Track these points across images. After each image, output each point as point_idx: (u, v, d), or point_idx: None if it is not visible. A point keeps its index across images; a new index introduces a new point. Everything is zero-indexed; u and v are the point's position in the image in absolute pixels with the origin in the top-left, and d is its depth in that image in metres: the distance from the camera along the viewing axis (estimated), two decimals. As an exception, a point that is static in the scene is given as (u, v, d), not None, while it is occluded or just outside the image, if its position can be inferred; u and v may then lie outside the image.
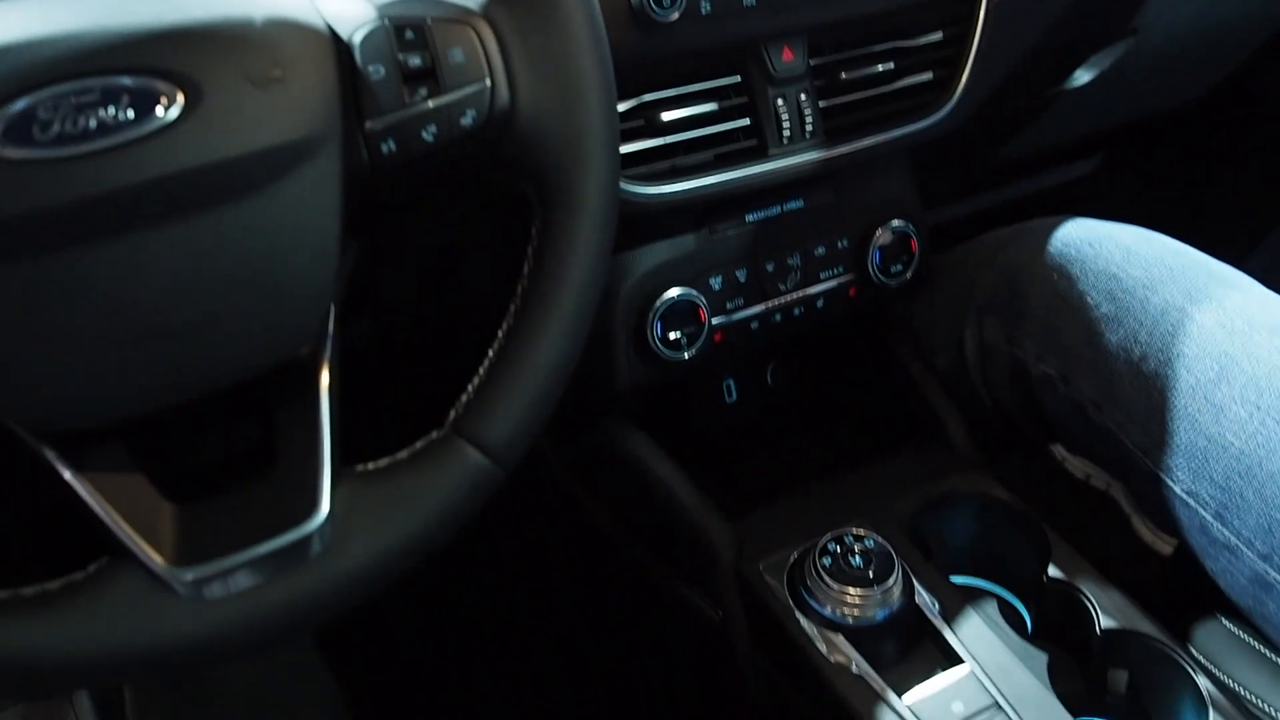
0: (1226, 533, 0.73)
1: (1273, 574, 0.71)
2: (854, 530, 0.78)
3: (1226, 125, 1.42)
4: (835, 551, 0.77)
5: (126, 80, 0.41)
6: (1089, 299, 0.81)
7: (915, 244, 0.89)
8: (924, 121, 0.84)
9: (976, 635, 0.75)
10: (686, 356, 0.81)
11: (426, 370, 0.76)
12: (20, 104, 0.40)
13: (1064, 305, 0.82)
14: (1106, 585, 0.78)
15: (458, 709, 1.18)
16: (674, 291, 0.80)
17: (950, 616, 0.75)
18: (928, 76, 0.84)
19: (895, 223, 0.88)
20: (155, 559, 0.44)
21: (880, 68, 0.82)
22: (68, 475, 0.44)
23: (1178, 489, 0.76)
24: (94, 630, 0.44)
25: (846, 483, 0.88)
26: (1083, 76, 1.10)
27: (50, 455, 0.44)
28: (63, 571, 0.45)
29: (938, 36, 0.84)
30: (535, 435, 0.52)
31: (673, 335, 0.81)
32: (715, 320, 0.83)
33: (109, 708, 1.16)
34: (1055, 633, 0.78)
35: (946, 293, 0.93)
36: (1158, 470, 0.77)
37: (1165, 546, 1.01)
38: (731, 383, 1.03)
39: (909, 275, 0.90)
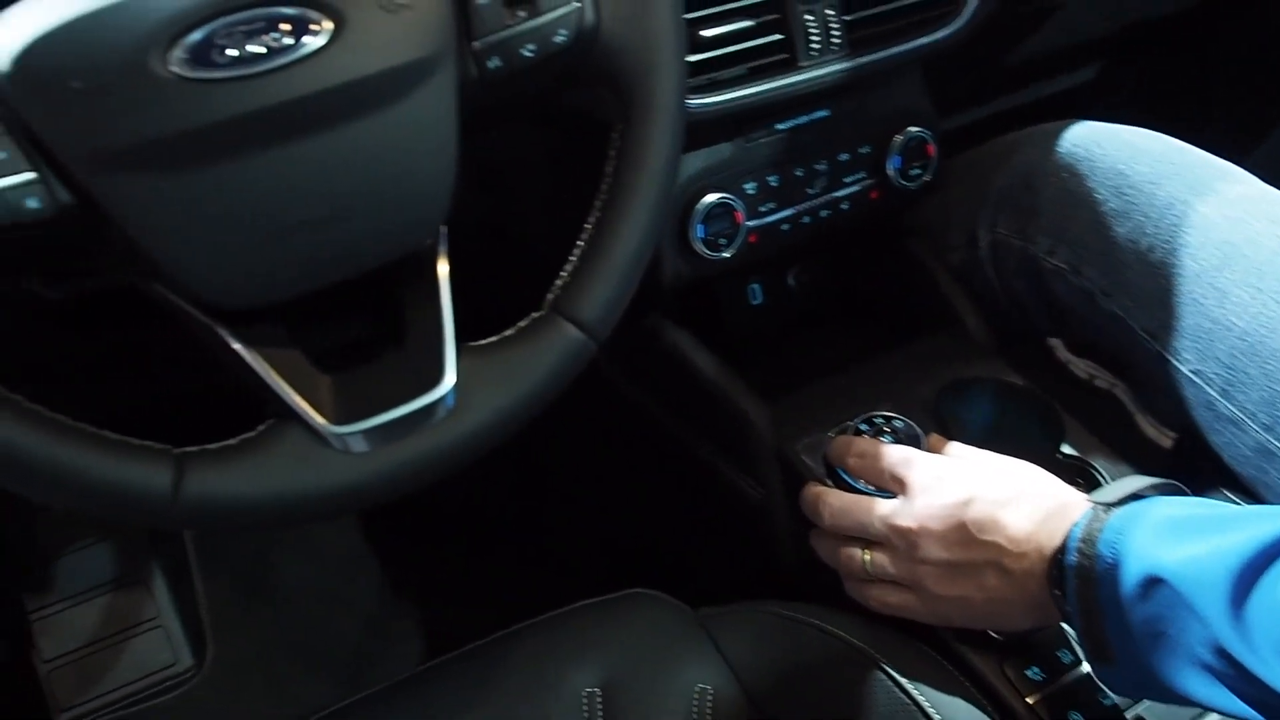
0: (1232, 408, 0.80)
1: (1275, 443, 0.78)
2: (883, 412, 0.85)
3: (1223, 28, 1.47)
4: (867, 432, 0.84)
5: (286, 10, 0.48)
6: (1098, 195, 0.88)
7: (931, 149, 0.96)
8: (940, 32, 0.90)
9: None
10: (727, 256, 0.89)
11: (500, 269, 0.83)
12: (203, 30, 0.47)
13: (1074, 201, 0.89)
14: (1117, 460, 0.86)
15: (507, 588, 1.27)
16: (712, 197, 0.87)
17: None
18: (943, -11, 0.90)
19: (912, 129, 0.95)
20: (318, 419, 0.52)
21: (900, -18, 0.88)
22: (239, 348, 0.53)
23: (1184, 369, 0.83)
24: (270, 478, 0.52)
25: (871, 370, 0.96)
26: (1086, -17, 1.15)
27: (224, 333, 0.52)
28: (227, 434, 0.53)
29: (952, -50, 0.90)
30: (621, 311, 0.60)
31: (712, 237, 0.88)
32: (750, 223, 0.90)
33: (182, 600, 1.26)
34: None
35: (960, 193, 1.00)
36: (1164, 352, 0.84)
37: (1166, 440, 1.08)
38: (757, 286, 1.10)
39: (927, 178, 0.97)
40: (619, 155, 0.59)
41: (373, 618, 1.31)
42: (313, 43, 0.49)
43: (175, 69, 0.47)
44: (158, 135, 0.47)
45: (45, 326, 0.78)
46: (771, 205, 0.91)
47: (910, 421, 0.84)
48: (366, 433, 0.53)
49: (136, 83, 0.47)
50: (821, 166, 0.93)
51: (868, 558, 0.75)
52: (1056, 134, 0.93)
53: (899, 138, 0.94)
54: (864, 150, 0.94)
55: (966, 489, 0.70)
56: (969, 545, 0.69)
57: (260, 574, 1.33)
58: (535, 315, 0.59)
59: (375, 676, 1.22)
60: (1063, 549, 0.63)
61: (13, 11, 0.48)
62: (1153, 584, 0.58)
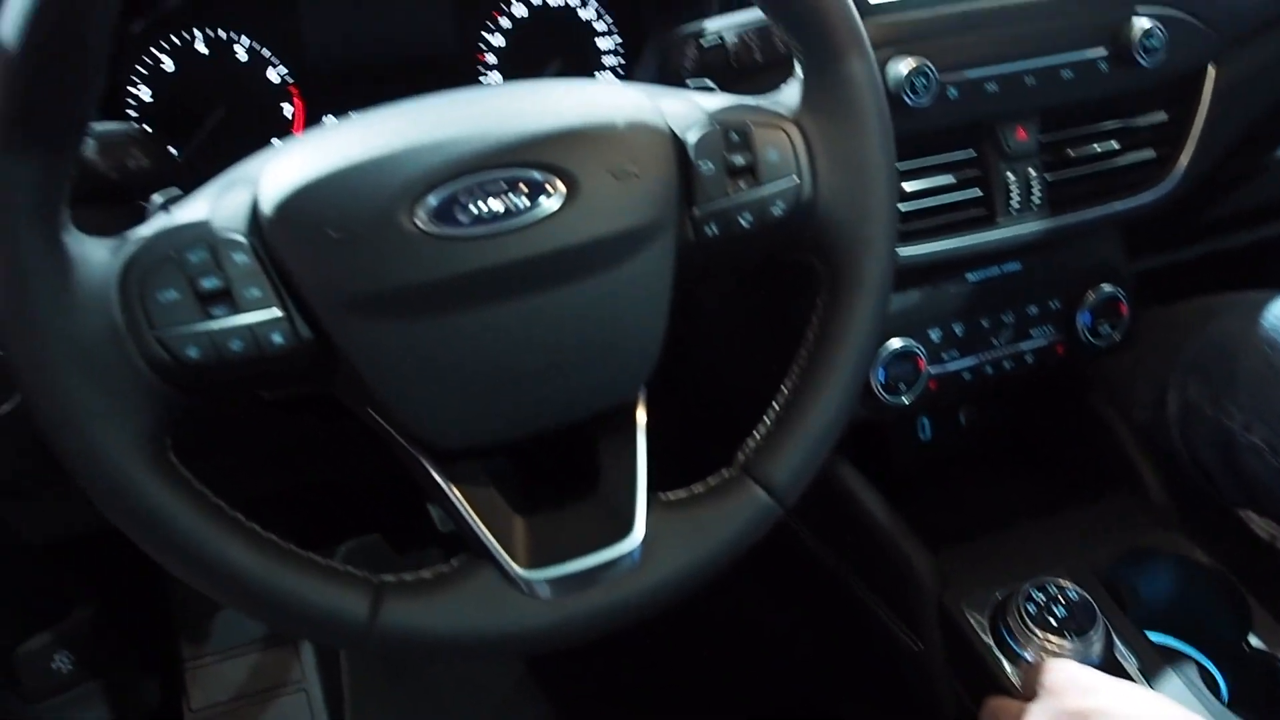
0: None
1: None
2: (1058, 580, 0.82)
3: None
4: (1039, 600, 0.82)
5: (523, 173, 0.51)
6: None
7: (1124, 308, 0.94)
8: (1144, 197, 0.89)
9: (1173, 696, 0.79)
10: (906, 402, 0.88)
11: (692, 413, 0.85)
12: (449, 189, 0.50)
13: (1276, 379, 0.85)
14: None
15: (648, 708, 1.27)
16: (896, 342, 0.87)
17: (1148, 674, 0.79)
18: (1150, 154, 0.89)
19: (1106, 287, 0.93)
20: (510, 562, 0.54)
21: (1105, 146, 0.87)
22: (442, 482, 0.54)
23: None
24: (460, 617, 0.53)
25: (1043, 527, 0.93)
26: (1293, 146, 1.12)
27: (430, 466, 0.54)
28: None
29: (1161, 117, 0.89)
30: (811, 478, 0.60)
31: (893, 381, 0.87)
32: (932, 369, 0.90)
33: (328, 667, 1.30)
34: (1254, 703, 0.80)
35: (1151, 351, 0.97)
36: None
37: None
38: (926, 421, 1.09)
39: (1116, 337, 0.95)
40: (821, 324, 0.59)
41: (510, 715, 1.32)
42: (548, 205, 0.52)
43: (421, 224, 0.50)
44: (400, 285, 0.50)
45: (250, 416, 0.82)
46: (954, 353, 0.91)
47: (1083, 592, 0.81)
48: (553, 581, 0.54)
49: (385, 235, 0.50)
50: (1008, 318, 0.92)
51: None
52: (1260, 305, 0.90)
53: (1091, 294, 0.93)
54: (1054, 304, 0.93)
55: (1085, 703, 0.64)
56: None
57: (410, 666, 1.36)
58: (726, 474, 0.59)
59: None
60: None
61: (277, 161, 0.52)
62: None
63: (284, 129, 0.78)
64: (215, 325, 0.49)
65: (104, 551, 1.04)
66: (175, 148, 0.75)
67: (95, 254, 0.49)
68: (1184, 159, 0.90)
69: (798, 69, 0.58)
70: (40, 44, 0.45)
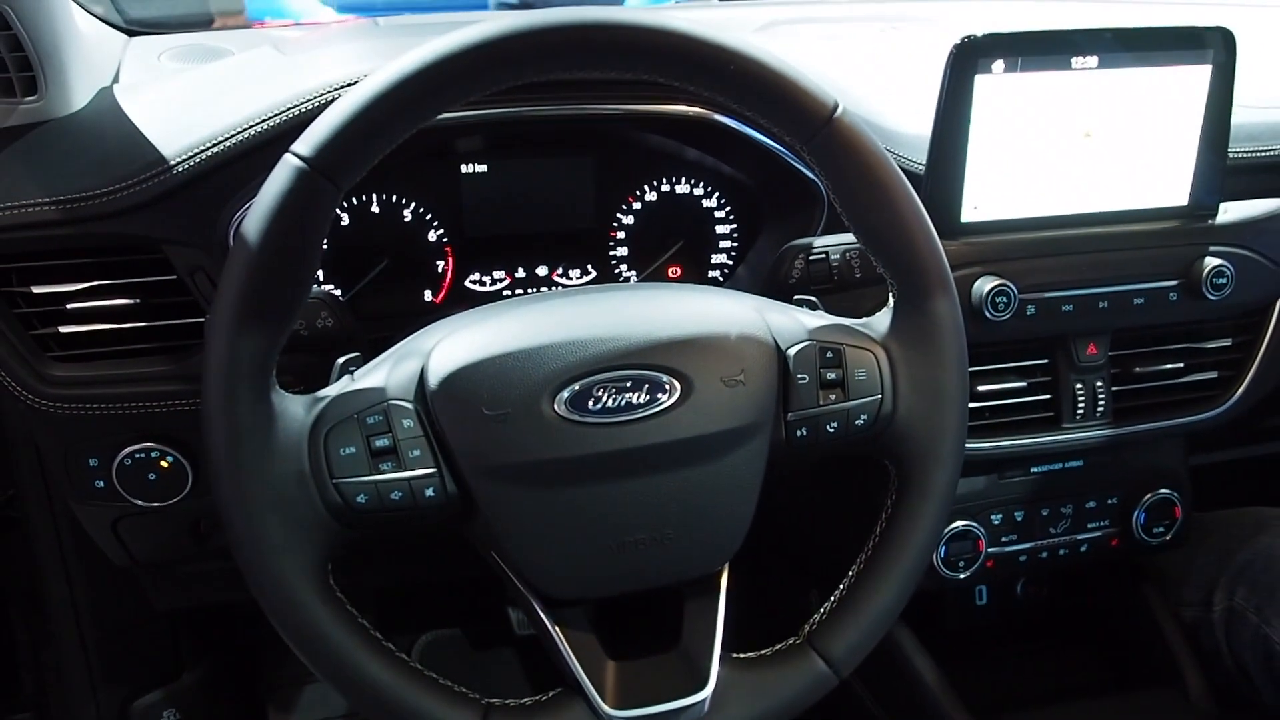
0: None
1: None
2: None
3: None
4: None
5: (647, 374, 0.62)
6: None
7: (1179, 511, 1.00)
8: (1205, 414, 0.96)
9: None
10: (962, 577, 0.95)
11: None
12: (584, 383, 0.61)
13: None
14: None
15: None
16: (959, 524, 0.95)
17: None
18: (1213, 375, 0.96)
19: (1163, 490, 1.00)
20: (600, 701, 0.62)
21: (1171, 365, 0.94)
22: (548, 624, 0.64)
23: None
24: None
25: (1085, 709, 0.99)
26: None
27: (539, 609, 0.64)
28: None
29: (1226, 342, 0.96)
30: (867, 653, 0.67)
31: (953, 558, 0.95)
32: (990, 550, 0.97)
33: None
34: None
35: (1202, 554, 1.03)
36: None
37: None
38: (984, 588, 1.15)
39: (1169, 537, 1.01)
40: (889, 521, 0.68)
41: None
42: (665, 401, 0.62)
43: (559, 410, 0.60)
44: (537, 460, 0.60)
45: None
46: (1013, 537, 0.98)
47: None
48: None
49: (529, 417, 0.60)
50: (1067, 509, 0.99)
51: None
52: (1310, 523, 0.95)
53: (1149, 495, 0.99)
54: (1111, 501, 1.00)
55: None
56: None
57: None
58: (793, 641, 0.67)
59: None
60: None
61: (445, 341, 0.62)
62: None
63: (436, 282, 0.90)
64: (382, 478, 0.60)
65: (215, 622, 1.15)
66: (341, 290, 0.87)
67: (292, 409, 0.60)
68: (1246, 381, 0.96)
69: (890, 299, 0.68)
70: (275, 243, 0.56)
